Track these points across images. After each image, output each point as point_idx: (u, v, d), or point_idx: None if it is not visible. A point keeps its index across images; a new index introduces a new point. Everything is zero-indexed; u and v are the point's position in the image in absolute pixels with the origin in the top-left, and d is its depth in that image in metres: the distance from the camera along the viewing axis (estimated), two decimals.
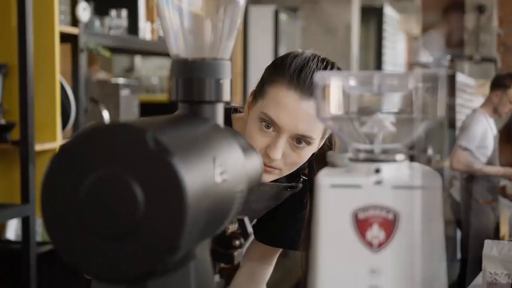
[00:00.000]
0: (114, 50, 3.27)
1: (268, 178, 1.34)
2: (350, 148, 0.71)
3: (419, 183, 0.66)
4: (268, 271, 1.63)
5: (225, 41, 0.80)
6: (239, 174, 0.75)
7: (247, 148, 0.84)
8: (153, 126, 0.63)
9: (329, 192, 0.68)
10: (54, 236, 0.63)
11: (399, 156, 0.70)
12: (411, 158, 0.73)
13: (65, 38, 2.65)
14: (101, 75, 4.67)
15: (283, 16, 5.46)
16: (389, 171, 0.68)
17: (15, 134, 2.40)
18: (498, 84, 4.62)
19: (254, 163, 0.85)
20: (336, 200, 0.68)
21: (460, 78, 7.46)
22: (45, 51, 2.47)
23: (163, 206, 0.60)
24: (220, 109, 0.80)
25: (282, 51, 5.80)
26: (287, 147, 1.30)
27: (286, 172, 1.35)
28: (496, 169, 4.57)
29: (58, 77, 2.50)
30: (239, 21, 0.82)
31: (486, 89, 8.58)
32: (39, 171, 2.36)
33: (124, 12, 3.11)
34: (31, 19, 2.37)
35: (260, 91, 1.33)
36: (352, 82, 0.69)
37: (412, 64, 9.22)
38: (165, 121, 0.69)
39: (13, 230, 2.75)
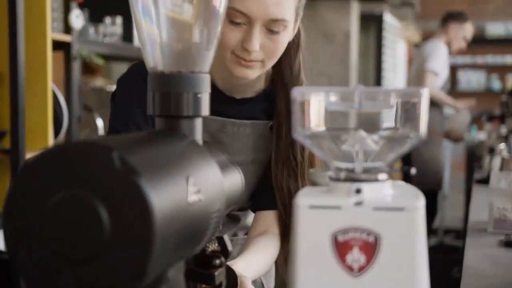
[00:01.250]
0: (109, 57, 3.24)
1: (252, 73, 1.30)
2: (330, 167, 0.68)
3: (401, 204, 0.63)
4: (277, 244, 1.40)
5: (203, 53, 0.78)
6: (215, 193, 0.71)
7: (227, 164, 0.81)
8: (121, 145, 0.60)
9: (307, 213, 0.65)
10: (15, 257, 0.59)
11: (382, 176, 0.67)
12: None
13: (58, 45, 2.62)
14: (99, 82, 4.64)
15: None
16: (370, 191, 0.65)
17: (6, 143, 2.36)
18: (456, 18, 4.58)
19: (233, 179, 0.82)
20: (315, 222, 0.64)
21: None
22: (37, 58, 2.44)
23: (129, 229, 0.57)
24: (198, 124, 0.77)
25: None
26: (262, 37, 1.26)
27: (269, 63, 1.31)
28: (454, 101, 4.71)
29: (50, 85, 2.47)
30: (219, 31, 0.79)
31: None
32: None
33: (118, 19, 3.08)
34: (22, 26, 2.34)
35: None
36: (333, 98, 0.66)
37: None
38: (137, 138, 0.66)
39: (2, 240, 2.71)
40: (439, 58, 4.36)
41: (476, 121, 9.95)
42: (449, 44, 4.57)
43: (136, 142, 0.64)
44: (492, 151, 3.11)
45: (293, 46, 1.40)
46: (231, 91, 1.42)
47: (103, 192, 0.57)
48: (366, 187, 0.65)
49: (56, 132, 2.54)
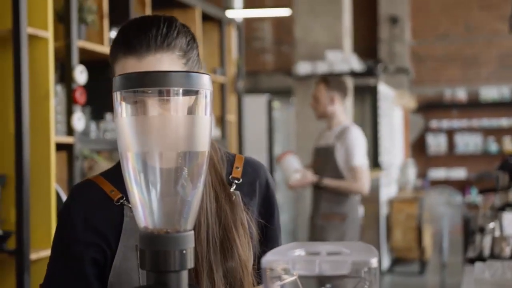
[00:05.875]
0: (111, 151, 3.37)
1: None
2: None
3: None
4: None
5: (187, 213, 0.89)
6: None
7: None
8: None
9: None
10: None
11: None
12: None
13: (61, 146, 2.75)
14: (102, 165, 4.74)
15: (276, 104, 5.60)
16: None
17: (11, 243, 2.47)
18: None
19: None
20: None
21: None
22: (41, 161, 2.56)
23: None
24: (184, 276, 0.88)
25: (277, 137, 5.95)
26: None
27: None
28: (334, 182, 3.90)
29: (54, 186, 2.58)
30: (200, 193, 0.91)
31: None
32: (34, 280, 2.42)
33: None
34: (28, 130, 2.47)
35: None
36: (297, 265, 0.77)
37: None
38: None
39: None
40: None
41: (476, 183, 10.05)
42: None
43: None
44: (482, 230, 3.18)
45: None
46: None
47: None
48: None
49: None
